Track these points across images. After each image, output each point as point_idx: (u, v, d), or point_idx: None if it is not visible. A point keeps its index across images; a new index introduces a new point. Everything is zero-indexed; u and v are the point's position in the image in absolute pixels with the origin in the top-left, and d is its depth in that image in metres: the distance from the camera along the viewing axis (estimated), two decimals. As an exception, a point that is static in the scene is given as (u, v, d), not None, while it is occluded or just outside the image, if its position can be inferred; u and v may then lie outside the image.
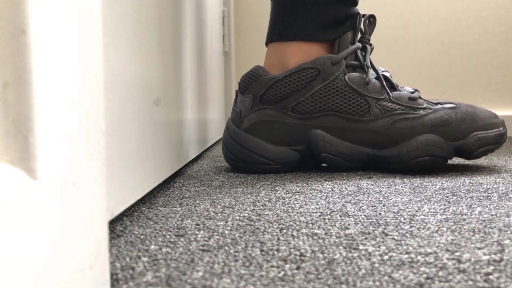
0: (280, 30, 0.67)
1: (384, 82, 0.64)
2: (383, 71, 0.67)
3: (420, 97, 0.65)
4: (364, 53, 0.66)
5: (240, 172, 0.66)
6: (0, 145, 0.17)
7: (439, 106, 0.64)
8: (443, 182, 0.56)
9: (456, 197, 0.47)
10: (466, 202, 0.45)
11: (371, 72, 0.65)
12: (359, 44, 0.66)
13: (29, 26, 0.17)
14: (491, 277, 0.26)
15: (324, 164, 0.71)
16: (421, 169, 0.62)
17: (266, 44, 0.70)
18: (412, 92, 0.65)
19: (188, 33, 0.67)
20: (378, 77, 0.65)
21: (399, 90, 0.65)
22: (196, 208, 0.44)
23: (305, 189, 0.52)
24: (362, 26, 0.68)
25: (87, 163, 0.21)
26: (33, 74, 0.17)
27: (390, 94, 0.63)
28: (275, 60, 0.67)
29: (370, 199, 0.47)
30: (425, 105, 0.63)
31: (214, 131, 1.01)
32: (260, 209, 0.43)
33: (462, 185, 0.54)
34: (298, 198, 0.48)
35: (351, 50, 0.64)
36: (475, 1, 1.36)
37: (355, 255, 0.30)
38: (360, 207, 0.43)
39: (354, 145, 0.63)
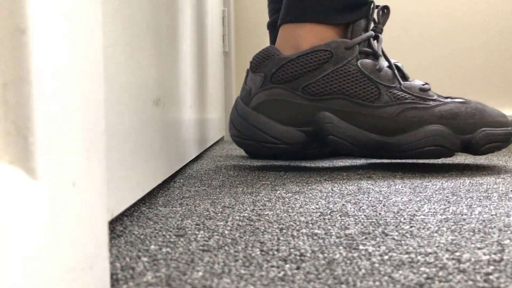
0: (294, 12, 0.67)
1: (396, 71, 0.65)
2: (395, 62, 0.67)
3: (430, 90, 0.65)
4: (376, 41, 0.66)
5: (247, 148, 0.65)
6: (0, 145, 0.17)
7: (449, 99, 0.64)
8: (443, 182, 0.56)
9: (456, 197, 0.47)
10: (466, 202, 0.45)
11: (383, 61, 0.65)
12: (372, 33, 0.66)
13: (29, 26, 0.17)
14: (491, 277, 0.26)
15: (328, 151, 0.71)
16: (426, 159, 0.63)
17: (279, 26, 0.70)
18: (424, 84, 0.65)
19: (188, 33, 0.67)
20: (390, 66, 0.65)
21: (410, 81, 0.65)
22: (196, 208, 0.44)
23: (305, 189, 0.52)
24: (375, 16, 0.68)
25: (87, 163, 0.21)
26: (33, 74, 0.17)
27: (402, 83, 0.64)
28: (288, 42, 0.67)
29: (370, 199, 0.47)
30: (435, 97, 0.64)
31: (214, 131, 1.01)
32: (260, 209, 0.43)
33: (462, 185, 0.54)
34: (298, 198, 0.48)
35: (365, 37, 0.65)
36: (475, 1, 1.36)
37: (355, 255, 0.30)
38: (360, 207, 0.43)
39: (362, 130, 0.63)
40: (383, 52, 0.67)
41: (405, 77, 0.66)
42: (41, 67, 0.18)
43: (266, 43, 1.45)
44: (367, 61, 0.64)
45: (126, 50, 0.37)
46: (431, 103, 0.63)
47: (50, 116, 0.18)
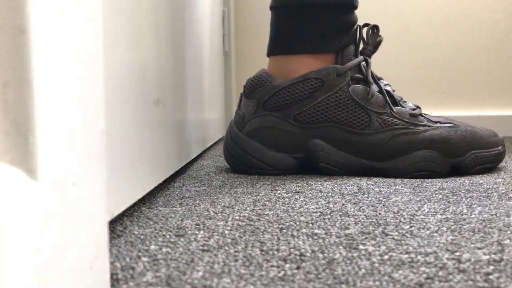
0: (280, 45, 0.67)
1: (387, 97, 0.65)
2: (385, 85, 0.67)
3: (421, 114, 0.65)
4: (366, 66, 0.66)
5: (240, 173, 0.66)
6: (0, 145, 0.17)
7: (439, 125, 0.64)
8: (443, 182, 0.56)
9: (456, 197, 0.47)
10: (466, 202, 0.45)
11: (374, 86, 0.65)
12: (362, 57, 0.66)
13: (29, 26, 0.17)
14: (491, 277, 0.26)
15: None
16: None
17: (268, 56, 0.70)
18: (414, 109, 0.66)
19: (188, 33, 0.67)
20: (380, 91, 0.65)
21: (401, 106, 0.66)
22: (196, 208, 0.44)
23: (305, 189, 0.52)
24: (364, 37, 0.68)
25: (87, 163, 0.21)
26: (33, 74, 0.17)
27: (393, 109, 0.64)
28: (278, 71, 0.67)
29: (370, 199, 0.47)
30: (425, 122, 0.64)
31: (214, 131, 1.01)
32: (260, 209, 0.43)
33: (462, 185, 0.54)
34: (298, 198, 0.48)
35: (356, 62, 0.65)
36: (475, 1, 1.36)
37: (355, 255, 0.30)
38: (360, 207, 0.43)
39: (353, 156, 0.63)
40: (373, 76, 0.67)
41: (395, 102, 0.66)
42: (41, 67, 0.18)
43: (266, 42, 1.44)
44: (359, 87, 0.64)
45: (126, 51, 0.37)
46: (421, 128, 0.63)
47: (50, 116, 0.18)
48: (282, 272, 0.27)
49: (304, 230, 0.36)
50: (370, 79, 0.65)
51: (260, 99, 0.66)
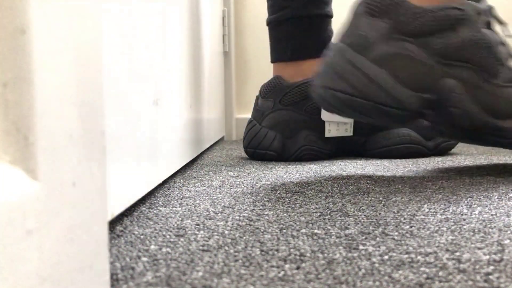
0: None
1: (510, 50, 0.58)
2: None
3: None
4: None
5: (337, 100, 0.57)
6: (0, 145, 0.17)
7: None
8: (443, 182, 0.56)
9: (456, 197, 0.47)
10: (466, 202, 0.45)
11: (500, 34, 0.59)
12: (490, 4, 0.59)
13: (29, 26, 0.17)
14: (491, 277, 0.26)
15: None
16: None
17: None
18: None
19: (188, 33, 0.67)
20: (503, 43, 0.58)
21: None
22: (196, 208, 0.44)
23: (305, 189, 0.52)
24: None
25: (87, 163, 0.21)
26: (33, 74, 0.17)
27: None
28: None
29: (370, 199, 0.47)
30: None
31: (214, 131, 1.01)
32: (260, 209, 0.43)
33: (462, 185, 0.54)
34: (298, 198, 0.48)
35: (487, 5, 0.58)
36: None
37: (355, 255, 0.30)
38: (360, 207, 0.43)
39: (480, 110, 0.56)
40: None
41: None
42: (41, 67, 0.18)
43: (266, 43, 1.45)
44: (491, 32, 0.57)
45: (126, 50, 0.37)
46: None
47: (50, 116, 0.18)
48: (282, 272, 0.27)
49: (304, 230, 0.36)
50: (505, 23, 0.59)
51: (396, 18, 0.56)
